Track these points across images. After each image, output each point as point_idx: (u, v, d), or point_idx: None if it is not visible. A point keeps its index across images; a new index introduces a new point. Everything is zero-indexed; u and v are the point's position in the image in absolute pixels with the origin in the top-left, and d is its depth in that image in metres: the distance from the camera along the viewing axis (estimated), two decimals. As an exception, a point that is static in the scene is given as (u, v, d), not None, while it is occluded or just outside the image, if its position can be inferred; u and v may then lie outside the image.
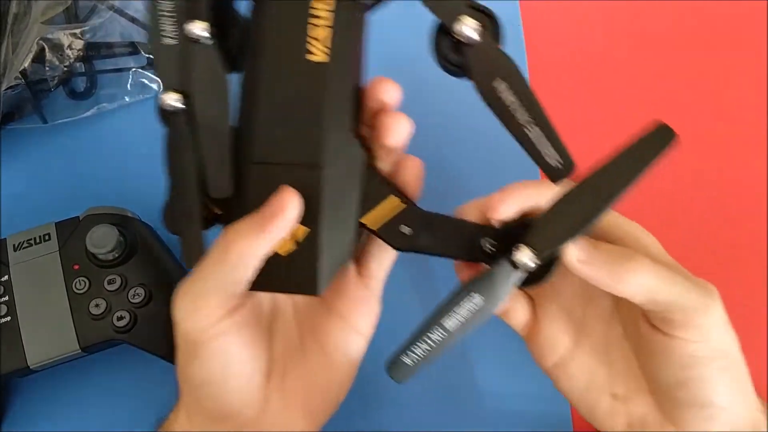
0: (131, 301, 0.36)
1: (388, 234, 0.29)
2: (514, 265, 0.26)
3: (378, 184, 0.29)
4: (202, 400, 0.28)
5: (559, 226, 0.26)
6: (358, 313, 0.31)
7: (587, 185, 0.26)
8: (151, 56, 0.46)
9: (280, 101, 0.27)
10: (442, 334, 0.26)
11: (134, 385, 0.40)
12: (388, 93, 0.28)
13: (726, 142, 0.46)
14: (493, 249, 0.28)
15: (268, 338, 0.31)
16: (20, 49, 0.42)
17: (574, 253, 0.27)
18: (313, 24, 0.27)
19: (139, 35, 0.45)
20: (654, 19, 0.49)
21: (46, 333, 0.36)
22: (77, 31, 0.43)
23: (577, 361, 0.31)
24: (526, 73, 0.47)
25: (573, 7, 0.48)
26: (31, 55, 0.42)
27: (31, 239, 0.37)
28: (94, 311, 0.36)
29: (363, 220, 0.29)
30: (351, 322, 0.31)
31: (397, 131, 0.28)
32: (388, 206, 0.29)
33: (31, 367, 0.35)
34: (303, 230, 0.27)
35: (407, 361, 0.27)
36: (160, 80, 0.28)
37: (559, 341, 0.32)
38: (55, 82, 0.43)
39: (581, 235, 0.26)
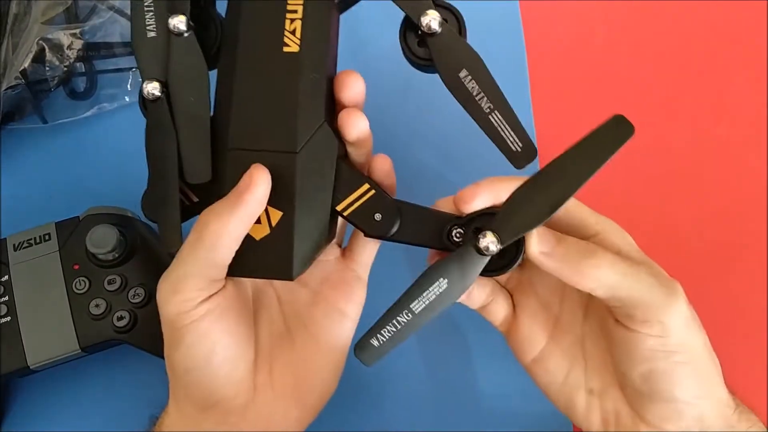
0: (131, 301, 0.36)
1: (361, 220, 0.30)
2: (479, 251, 0.27)
3: (351, 173, 0.30)
4: (189, 387, 0.29)
5: (523, 215, 0.27)
6: (345, 297, 0.32)
7: (549, 175, 0.26)
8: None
9: (255, 90, 0.28)
10: (408, 317, 0.27)
11: (134, 385, 0.40)
12: (351, 88, 0.29)
13: (726, 142, 0.46)
14: (460, 237, 0.29)
15: (253, 325, 0.31)
16: (20, 49, 0.42)
17: (537, 245, 0.27)
18: (289, 18, 0.28)
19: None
20: (654, 18, 0.49)
21: (46, 333, 0.36)
22: (77, 31, 0.43)
23: (554, 356, 0.32)
24: (526, 73, 0.47)
25: (573, 7, 0.48)
26: (31, 55, 0.42)
27: (31, 239, 0.37)
28: (94, 311, 0.36)
29: (337, 207, 0.29)
30: (338, 307, 0.32)
31: (355, 127, 0.28)
32: (361, 193, 0.30)
33: (31, 367, 0.35)
34: (277, 214, 0.28)
35: (375, 343, 0.27)
36: (140, 71, 0.29)
37: (536, 336, 0.32)
38: (55, 82, 0.43)
39: (542, 223, 0.27)
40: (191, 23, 0.28)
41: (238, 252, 0.27)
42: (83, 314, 0.36)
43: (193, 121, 0.28)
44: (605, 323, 0.30)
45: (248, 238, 0.28)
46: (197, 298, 0.27)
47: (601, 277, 0.27)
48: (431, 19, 0.28)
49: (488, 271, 0.28)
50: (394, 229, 0.29)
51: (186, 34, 0.28)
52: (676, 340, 0.28)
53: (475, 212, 0.29)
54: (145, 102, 0.29)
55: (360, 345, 0.28)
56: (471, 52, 0.28)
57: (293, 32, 0.28)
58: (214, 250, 0.27)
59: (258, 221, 0.28)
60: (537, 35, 0.48)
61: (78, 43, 0.43)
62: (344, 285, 0.32)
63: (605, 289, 0.27)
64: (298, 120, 0.28)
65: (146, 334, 0.36)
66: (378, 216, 0.30)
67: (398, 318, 0.27)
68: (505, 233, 0.27)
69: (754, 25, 0.48)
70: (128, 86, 0.46)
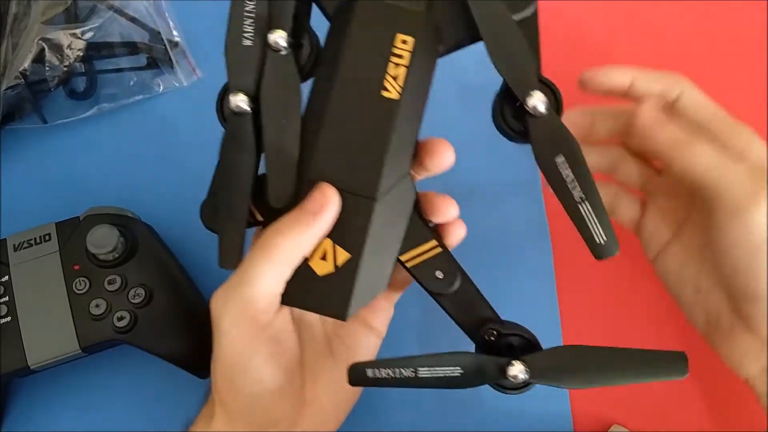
0: (131, 301, 0.36)
1: (422, 274, 0.30)
2: (504, 373, 0.27)
3: (421, 227, 0.30)
4: (249, 409, 0.29)
5: (557, 369, 0.28)
6: (378, 316, 0.33)
7: (593, 355, 0.28)
8: (151, 56, 0.46)
9: (347, 127, 0.28)
10: (410, 374, 0.27)
11: (134, 385, 0.40)
12: (441, 159, 0.29)
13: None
14: (492, 338, 0.30)
15: (301, 344, 0.31)
16: (20, 49, 0.42)
17: (650, 113, 0.32)
18: (393, 62, 0.28)
19: (139, 35, 0.45)
20: (654, 18, 0.49)
21: (47, 333, 0.36)
22: (77, 31, 0.43)
23: (672, 253, 0.35)
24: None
25: (573, 6, 0.48)
26: (31, 55, 0.42)
27: (31, 239, 0.37)
28: (95, 311, 0.36)
29: (402, 258, 0.30)
30: (372, 325, 0.33)
31: (445, 214, 0.30)
32: (427, 249, 0.30)
33: (31, 368, 0.35)
34: (344, 255, 0.28)
35: (369, 374, 0.28)
36: (229, 78, 0.28)
37: (661, 233, 0.35)
38: (55, 82, 0.43)
39: (564, 383, 0.28)
40: (291, 40, 0.27)
41: (296, 282, 0.27)
42: (83, 314, 0.36)
43: (283, 145, 0.28)
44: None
45: (310, 271, 0.28)
46: (265, 319, 0.27)
47: (698, 161, 0.31)
48: (538, 102, 0.27)
49: (501, 387, 0.28)
50: (452, 289, 0.30)
51: (284, 52, 0.27)
52: (759, 236, 0.29)
53: (516, 329, 0.30)
54: (222, 110, 0.28)
55: (356, 367, 0.28)
56: (571, 138, 0.28)
57: (396, 78, 0.28)
58: (282, 267, 0.27)
59: (324, 257, 0.28)
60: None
61: (78, 43, 0.43)
62: (380, 306, 0.33)
63: (698, 175, 0.30)
64: (385, 168, 0.28)
65: (146, 335, 0.36)
66: (440, 274, 0.30)
67: (402, 370, 0.27)
68: (536, 372, 0.27)
69: (754, 25, 0.48)
70: (128, 86, 0.45)
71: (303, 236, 0.27)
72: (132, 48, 0.45)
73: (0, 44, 0.42)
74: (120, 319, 0.36)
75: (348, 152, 0.28)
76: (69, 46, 0.43)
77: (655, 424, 0.40)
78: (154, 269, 0.38)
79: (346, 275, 0.28)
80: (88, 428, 0.40)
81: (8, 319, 0.36)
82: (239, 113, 0.27)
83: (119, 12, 0.45)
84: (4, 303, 0.36)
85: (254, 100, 0.28)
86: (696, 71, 0.47)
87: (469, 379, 0.28)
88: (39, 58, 0.42)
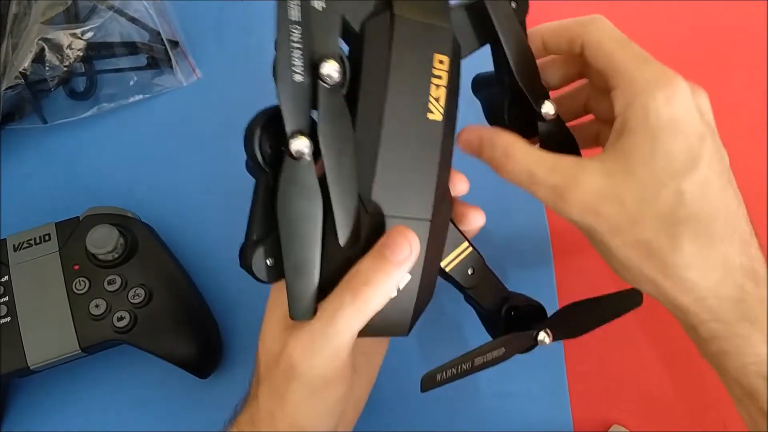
0: (131, 301, 0.36)
1: (459, 275, 0.32)
2: (535, 340, 0.33)
3: (455, 232, 0.32)
4: (304, 426, 0.29)
5: (565, 324, 0.34)
6: None
7: (584, 306, 0.34)
8: (151, 57, 0.46)
9: (399, 154, 0.28)
10: (469, 366, 0.31)
11: (134, 385, 0.40)
12: (459, 189, 0.32)
13: (725, 142, 0.45)
14: (511, 316, 0.34)
15: None
16: (20, 50, 0.42)
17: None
18: (434, 84, 0.28)
19: (138, 35, 0.45)
20: (654, 18, 0.49)
21: (46, 333, 0.36)
22: (77, 31, 0.43)
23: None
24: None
25: (573, 6, 0.48)
26: (31, 56, 0.42)
27: (31, 239, 0.37)
28: (94, 311, 0.36)
29: (442, 265, 0.31)
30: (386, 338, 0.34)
31: (475, 223, 0.32)
32: (461, 251, 0.32)
33: (31, 368, 0.35)
34: (405, 278, 0.28)
35: (438, 377, 0.30)
36: (287, 120, 0.25)
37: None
38: (55, 82, 0.43)
39: (574, 335, 0.35)
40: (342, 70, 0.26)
41: None
42: (83, 314, 0.36)
43: (345, 183, 0.27)
44: None
45: None
46: (350, 355, 0.28)
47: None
48: (549, 108, 0.31)
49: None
50: (480, 282, 0.33)
51: (334, 83, 0.26)
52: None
53: (526, 301, 0.34)
54: (265, 155, 0.26)
55: (428, 376, 0.30)
56: (573, 137, 0.32)
57: (437, 100, 0.28)
58: (370, 314, 0.27)
59: None
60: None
61: (78, 43, 0.43)
62: None
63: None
64: (437, 190, 0.28)
65: (146, 335, 0.36)
66: (471, 270, 0.32)
67: (462, 365, 0.31)
68: (557, 333, 0.33)
69: (754, 25, 0.48)
70: (128, 86, 0.46)
71: (390, 284, 0.27)
72: (132, 48, 0.45)
73: (0, 44, 0.42)
74: (120, 319, 0.36)
75: (403, 179, 0.28)
76: (69, 46, 0.43)
77: (655, 424, 0.40)
78: (154, 269, 0.38)
79: (407, 297, 0.29)
80: (88, 428, 0.40)
81: (8, 319, 0.36)
82: (301, 158, 0.26)
83: (119, 12, 0.45)
84: (3, 303, 0.36)
85: (314, 141, 0.26)
86: (696, 72, 0.47)
87: (511, 353, 0.32)
88: (39, 58, 0.42)
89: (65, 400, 0.40)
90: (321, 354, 0.27)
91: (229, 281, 0.42)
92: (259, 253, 0.27)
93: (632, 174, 0.27)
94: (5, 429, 0.40)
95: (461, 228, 0.32)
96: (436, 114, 0.28)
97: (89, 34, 0.43)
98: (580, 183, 0.28)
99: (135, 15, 0.45)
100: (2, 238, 0.38)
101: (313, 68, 0.26)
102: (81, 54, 0.43)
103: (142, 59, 0.46)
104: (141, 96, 0.46)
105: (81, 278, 0.36)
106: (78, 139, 0.45)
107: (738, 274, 0.27)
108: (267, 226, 0.27)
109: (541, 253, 0.43)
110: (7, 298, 0.36)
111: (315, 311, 0.27)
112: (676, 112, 0.27)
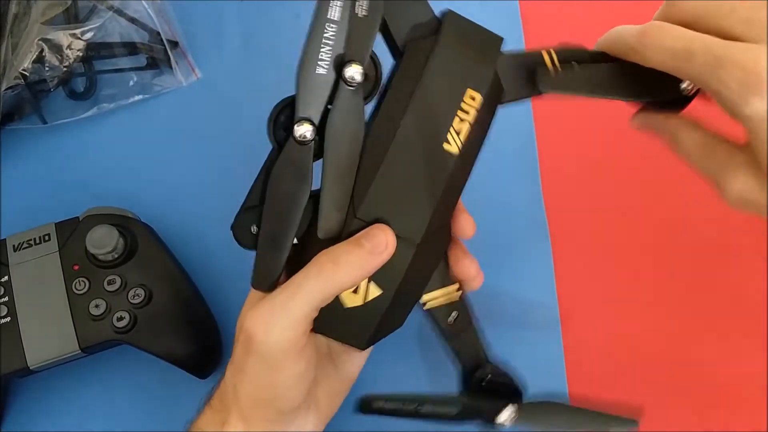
0: (131, 301, 0.36)
1: (438, 317, 0.31)
2: (495, 415, 0.31)
3: (446, 270, 0.31)
4: (272, 423, 0.29)
5: (536, 416, 0.31)
6: None
7: (565, 412, 0.32)
8: (150, 57, 0.46)
9: (404, 171, 0.28)
10: (413, 409, 0.30)
11: (134, 385, 0.40)
12: (465, 234, 0.31)
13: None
14: (485, 385, 0.32)
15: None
16: (20, 50, 0.42)
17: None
18: (459, 116, 0.28)
19: (138, 35, 0.45)
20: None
21: (46, 334, 0.36)
22: (77, 31, 0.43)
23: None
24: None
25: (573, 6, 0.48)
26: (30, 56, 0.42)
27: (30, 240, 0.37)
28: (94, 312, 0.36)
29: (422, 298, 0.31)
30: None
31: (465, 270, 0.31)
32: (449, 292, 0.31)
33: (30, 368, 0.35)
34: (376, 292, 0.28)
35: (378, 404, 0.30)
36: (298, 105, 0.27)
37: None
38: (55, 82, 0.43)
39: (542, 428, 0.32)
40: (366, 74, 0.27)
41: (324, 309, 0.28)
42: (83, 315, 0.36)
43: (341, 180, 0.28)
44: None
45: (338, 301, 0.28)
46: (304, 340, 0.28)
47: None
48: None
49: None
50: (461, 331, 0.32)
51: (356, 86, 0.27)
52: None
53: (504, 377, 0.32)
54: (276, 135, 0.28)
55: (366, 398, 0.30)
56: None
57: (459, 133, 0.28)
58: (331, 295, 0.27)
59: (355, 291, 0.28)
60: (537, 35, 0.48)
61: (78, 44, 0.43)
62: None
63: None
64: (432, 218, 0.28)
65: (146, 335, 0.36)
66: (452, 317, 0.31)
67: (408, 405, 0.30)
68: (522, 418, 0.31)
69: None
70: (128, 86, 0.46)
71: (357, 272, 0.27)
72: (132, 48, 0.45)
73: (0, 44, 0.42)
74: (119, 319, 0.36)
75: (400, 196, 0.28)
76: (69, 47, 0.43)
77: (655, 424, 0.40)
78: (154, 269, 0.38)
79: (372, 311, 0.29)
80: (88, 428, 0.40)
81: (8, 319, 0.36)
82: (302, 142, 0.27)
83: (119, 12, 0.45)
84: (3, 303, 0.36)
85: (318, 130, 0.27)
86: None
87: (464, 418, 0.31)
88: (39, 59, 0.42)
89: (65, 400, 0.40)
90: (278, 325, 0.27)
91: (229, 281, 0.42)
92: (246, 218, 0.28)
93: None
94: (5, 429, 0.40)
95: (453, 270, 0.32)
96: (453, 146, 0.28)
97: (89, 35, 0.43)
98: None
99: (134, 15, 0.45)
100: (2, 238, 0.38)
101: (339, 66, 0.27)
102: (81, 54, 0.43)
103: (141, 59, 0.46)
104: (141, 96, 0.46)
105: (81, 278, 0.36)
106: (78, 140, 0.45)
107: None
108: (262, 198, 0.28)
109: (538, 244, 0.43)
110: (6, 299, 0.36)
111: (274, 287, 0.28)
112: None
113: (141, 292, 0.36)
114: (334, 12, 0.26)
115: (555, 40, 0.46)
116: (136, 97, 0.46)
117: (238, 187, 0.45)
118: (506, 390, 0.32)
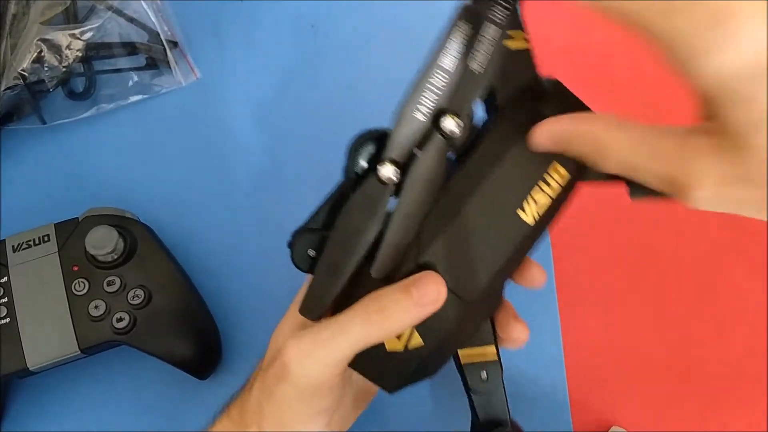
0: (131, 302, 0.36)
1: (471, 374, 0.31)
2: None
3: (489, 331, 0.31)
4: (288, 425, 0.29)
5: None
6: None
7: None
8: (149, 57, 0.46)
9: (472, 228, 0.28)
10: None
11: (134, 385, 0.40)
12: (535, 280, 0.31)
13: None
14: None
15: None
16: (19, 50, 0.42)
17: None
18: (540, 187, 0.28)
19: (138, 35, 0.45)
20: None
21: (46, 335, 0.36)
22: (76, 31, 0.43)
23: None
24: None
25: (573, 6, 0.48)
26: (30, 56, 0.42)
27: (30, 240, 0.37)
28: (94, 313, 0.36)
29: (460, 351, 0.31)
30: None
31: (514, 333, 0.31)
32: (485, 353, 0.31)
33: (30, 369, 0.35)
34: (418, 341, 0.28)
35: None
36: (390, 145, 0.27)
37: None
38: (54, 82, 0.43)
39: None
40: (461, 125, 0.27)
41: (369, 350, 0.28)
42: (82, 316, 0.36)
43: (409, 224, 0.28)
44: None
45: (381, 343, 0.28)
46: (344, 371, 0.28)
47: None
48: None
49: None
50: (488, 391, 0.31)
51: (450, 138, 0.27)
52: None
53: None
54: (354, 161, 0.28)
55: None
56: None
57: (537, 203, 0.28)
58: (375, 341, 0.27)
59: (398, 336, 0.28)
60: (537, 35, 0.48)
61: (77, 44, 0.43)
62: None
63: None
64: (493, 281, 0.28)
65: (146, 336, 0.36)
66: (484, 375, 0.31)
67: None
68: None
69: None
70: (127, 86, 0.45)
71: (403, 323, 0.27)
72: (131, 48, 0.45)
73: (-1, 45, 0.42)
74: (119, 320, 0.36)
75: (463, 252, 0.28)
76: (68, 47, 0.43)
77: (655, 424, 0.40)
78: (153, 270, 0.38)
79: (410, 358, 0.28)
80: (87, 428, 0.40)
81: (7, 320, 0.36)
82: (383, 182, 0.27)
83: (118, 12, 0.45)
84: (3, 304, 0.36)
85: (402, 172, 0.27)
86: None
87: None
88: (38, 59, 0.42)
89: (65, 400, 0.40)
90: (317, 362, 0.27)
91: (229, 282, 0.42)
92: (306, 239, 0.29)
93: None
94: (5, 429, 0.40)
95: (500, 333, 0.31)
96: (528, 216, 0.28)
97: (88, 35, 0.43)
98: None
99: (134, 15, 0.45)
100: (1, 239, 0.38)
101: (437, 115, 0.27)
102: (80, 54, 0.43)
103: (141, 59, 0.46)
104: (140, 96, 0.46)
105: (80, 279, 0.36)
106: (77, 140, 0.45)
107: None
108: (326, 223, 0.29)
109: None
110: (6, 299, 0.36)
111: (321, 316, 0.28)
112: None
113: (140, 292, 0.36)
114: (447, 61, 0.26)
115: (555, 40, 0.46)
116: (136, 98, 0.46)
117: (238, 188, 0.45)
118: None
